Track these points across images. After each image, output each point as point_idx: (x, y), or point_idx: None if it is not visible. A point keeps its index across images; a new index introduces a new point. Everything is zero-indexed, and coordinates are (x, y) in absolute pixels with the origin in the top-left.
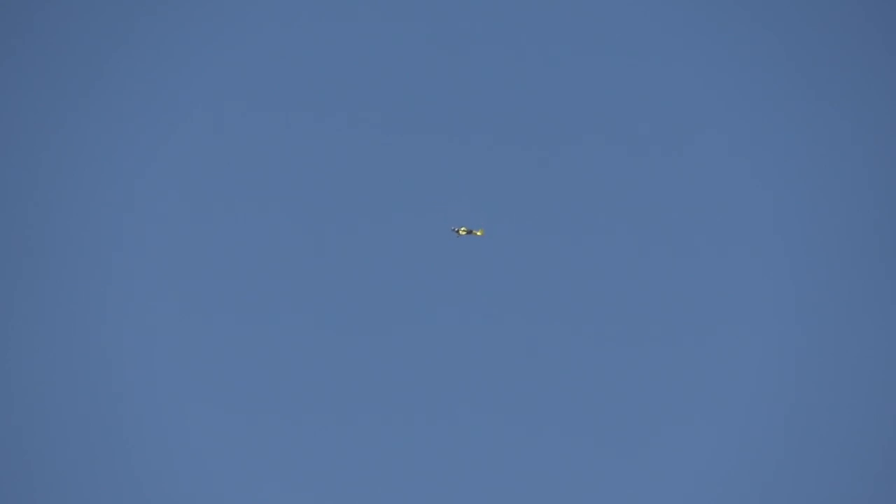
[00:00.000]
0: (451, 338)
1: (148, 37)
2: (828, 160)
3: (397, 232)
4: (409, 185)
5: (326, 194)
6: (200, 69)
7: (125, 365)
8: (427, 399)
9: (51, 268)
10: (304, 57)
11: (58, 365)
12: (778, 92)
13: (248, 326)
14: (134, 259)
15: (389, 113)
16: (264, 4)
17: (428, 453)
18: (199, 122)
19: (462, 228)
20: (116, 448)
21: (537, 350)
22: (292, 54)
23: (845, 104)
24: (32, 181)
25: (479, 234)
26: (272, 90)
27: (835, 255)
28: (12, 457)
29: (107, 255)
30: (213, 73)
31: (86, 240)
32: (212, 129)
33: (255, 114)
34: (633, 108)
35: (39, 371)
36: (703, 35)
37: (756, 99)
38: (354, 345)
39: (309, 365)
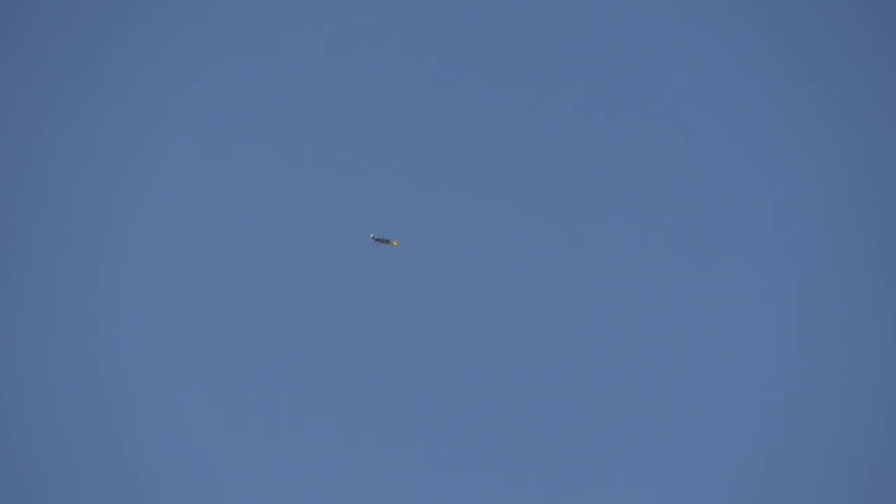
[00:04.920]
0: (451, 337)
1: (148, 38)
2: (829, 160)
3: (397, 231)
4: (410, 183)
5: (326, 193)
6: (199, 69)
7: (124, 364)
8: (427, 399)
9: (49, 267)
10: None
11: (56, 364)
12: (779, 92)
13: (247, 325)
14: (133, 258)
15: (390, 115)
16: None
17: (427, 453)
18: (198, 122)
19: (377, 237)
20: (116, 448)
21: (537, 351)
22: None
23: (847, 104)
24: (31, 180)
25: (394, 244)
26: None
27: (836, 255)
28: (12, 457)
29: (106, 255)
30: (213, 72)
31: (84, 239)
32: (210, 128)
33: (253, 114)
34: (633, 108)
35: (38, 370)
36: (704, 35)
37: (757, 99)
38: (354, 344)
39: (309, 364)
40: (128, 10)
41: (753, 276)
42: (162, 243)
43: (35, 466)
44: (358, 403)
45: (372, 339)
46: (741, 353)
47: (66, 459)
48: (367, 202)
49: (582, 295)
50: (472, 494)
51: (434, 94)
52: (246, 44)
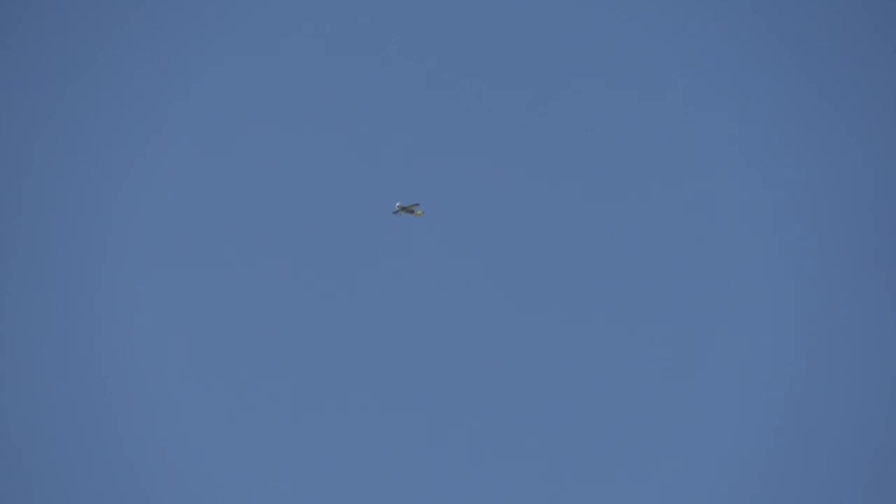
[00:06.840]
0: (451, 337)
1: (148, 38)
2: (829, 160)
3: (397, 232)
4: (410, 184)
5: (326, 193)
6: (199, 69)
7: (124, 364)
8: (427, 398)
9: (49, 267)
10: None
11: (56, 364)
12: (778, 92)
13: (247, 325)
14: (133, 258)
15: (390, 115)
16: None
17: (427, 453)
18: (198, 122)
19: (402, 206)
20: (116, 448)
21: (538, 351)
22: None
23: (847, 104)
24: (31, 180)
25: (419, 214)
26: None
27: (836, 255)
28: (12, 457)
29: (106, 255)
30: (213, 72)
31: (84, 239)
32: (210, 128)
33: (253, 114)
34: (633, 108)
35: (38, 370)
36: (704, 35)
37: (757, 99)
38: (354, 343)
39: (308, 364)
40: (128, 10)
41: (753, 276)
42: (162, 243)
43: (35, 466)
44: (358, 403)
45: (371, 339)
46: (741, 353)
47: (66, 459)
48: (366, 202)
49: (582, 295)
50: (473, 494)
51: (434, 94)
52: (246, 44)
